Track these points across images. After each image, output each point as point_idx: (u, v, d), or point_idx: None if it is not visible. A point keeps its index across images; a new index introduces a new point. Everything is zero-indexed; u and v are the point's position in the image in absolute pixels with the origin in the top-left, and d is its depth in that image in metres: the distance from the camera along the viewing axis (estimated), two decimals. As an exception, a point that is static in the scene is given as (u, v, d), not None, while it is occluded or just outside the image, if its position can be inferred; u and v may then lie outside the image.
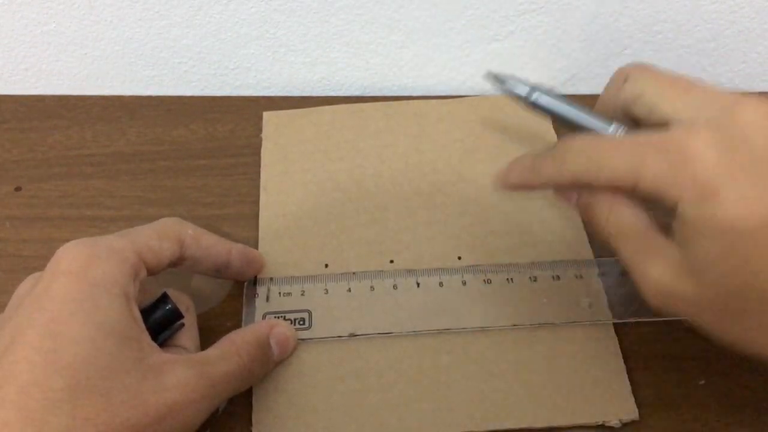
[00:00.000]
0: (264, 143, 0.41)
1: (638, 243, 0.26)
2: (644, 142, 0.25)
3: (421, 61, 0.46)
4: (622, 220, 0.26)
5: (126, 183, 0.40)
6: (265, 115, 0.42)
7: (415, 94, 0.46)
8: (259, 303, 0.33)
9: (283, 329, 0.32)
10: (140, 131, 0.43)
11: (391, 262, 0.35)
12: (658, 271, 0.25)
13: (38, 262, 0.36)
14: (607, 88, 0.30)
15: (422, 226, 0.37)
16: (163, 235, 0.29)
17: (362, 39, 0.44)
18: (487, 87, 0.46)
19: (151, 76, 0.47)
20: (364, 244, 0.36)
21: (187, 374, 0.26)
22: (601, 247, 0.34)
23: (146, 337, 0.26)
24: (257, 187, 0.39)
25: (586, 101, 0.43)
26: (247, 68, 0.46)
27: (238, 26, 0.44)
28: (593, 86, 0.47)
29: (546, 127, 0.41)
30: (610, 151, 0.26)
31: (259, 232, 0.37)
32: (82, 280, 0.26)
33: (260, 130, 0.42)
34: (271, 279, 0.34)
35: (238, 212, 0.39)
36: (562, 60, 0.46)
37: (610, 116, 0.29)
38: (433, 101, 0.43)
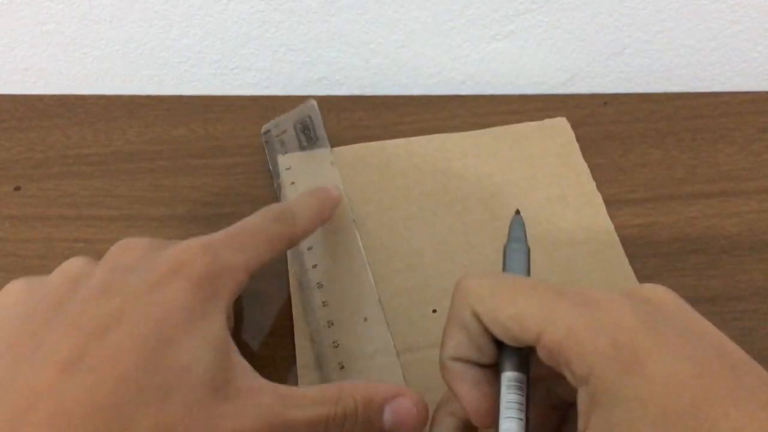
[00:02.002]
0: (282, 190, 0.38)
1: None
2: (558, 290, 0.22)
3: (421, 61, 0.46)
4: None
5: (126, 183, 0.40)
6: (280, 159, 0.39)
7: (415, 93, 0.46)
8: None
9: (408, 403, 0.26)
10: (140, 131, 0.43)
11: (434, 311, 0.33)
12: None
13: (38, 262, 0.36)
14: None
15: (461, 269, 0.35)
16: (276, 245, 0.30)
17: (362, 39, 0.44)
18: (486, 87, 0.47)
19: (150, 76, 0.47)
20: (403, 293, 0.34)
21: (266, 408, 0.25)
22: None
23: (238, 357, 0.26)
24: (257, 187, 0.39)
25: (586, 101, 0.44)
26: (247, 68, 0.46)
27: (238, 26, 0.44)
28: (593, 86, 0.47)
29: (575, 154, 0.40)
30: (512, 292, 0.23)
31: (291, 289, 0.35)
32: (198, 292, 0.26)
33: (260, 130, 0.42)
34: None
35: (238, 212, 0.38)
36: (562, 60, 0.46)
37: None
38: (455, 135, 0.41)
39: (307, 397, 0.26)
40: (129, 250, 0.28)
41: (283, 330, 0.33)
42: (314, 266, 0.34)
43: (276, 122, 0.41)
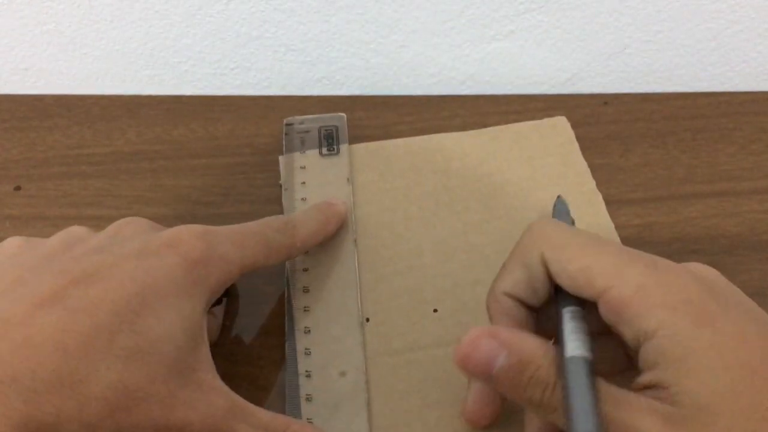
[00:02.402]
0: (290, 186, 0.38)
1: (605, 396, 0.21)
2: (627, 250, 0.23)
3: (421, 61, 0.46)
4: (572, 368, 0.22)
5: (126, 182, 0.40)
6: (297, 156, 0.39)
7: (415, 93, 0.46)
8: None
9: None
10: (140, 131, 0.43)
11: (435, 311, 0.33)
12: (647, 425, 0.20)
13: (38, 262, 0.36)
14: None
15: (462, 269, 0.35)
16: (273, 253, 0.30)
17: (362, 38, 0.44)
18: (486, 87, 0.47)
19: (150, 76, 0.47)
20: (403, 293, 0.34)
21: (219, 410, 0.25)
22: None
23: (208, 350, 0.27)
24: (257, 187, 0.39)
25: (586, 101, 0.44)
26: (247, 68, 0.46)
27: (238, 26, 0.44)
28: (593, 86, 0.47)
29: (575, 154, 0.40)
30: (584, 245, 0.24)
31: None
32: (188, 271, 0.26)
33: (259, 129, 0.42)
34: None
35: (238, 212, 0.39)
36: (562, 60, 0.46)
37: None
38: (455, 135, 0.41)
39: (256, 417, 0.26)
40: (130, 225, 0.29)
41: (281, 330, 0.33)
42: (305, 270, 0.34)
43: (302, 119, 0.41)
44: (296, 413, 0.30)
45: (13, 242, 0.28)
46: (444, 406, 0.31)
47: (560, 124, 0.41)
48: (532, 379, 0.22)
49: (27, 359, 0.22)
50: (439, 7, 0.43)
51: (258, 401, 0.27)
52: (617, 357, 0.24)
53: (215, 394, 0.25)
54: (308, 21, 0.43)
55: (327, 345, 0.32)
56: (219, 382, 0.26)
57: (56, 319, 0.23)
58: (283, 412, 0.29)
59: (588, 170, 0.39)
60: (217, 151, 0.42)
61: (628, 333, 0.22)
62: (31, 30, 0.44)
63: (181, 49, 0.45)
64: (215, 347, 0.28)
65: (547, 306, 0.26)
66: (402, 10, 0.43)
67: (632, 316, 0.22)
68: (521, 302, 0.26)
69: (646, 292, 0.22)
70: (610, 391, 0.21)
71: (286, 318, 0.33)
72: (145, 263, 0.25)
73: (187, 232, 0.27)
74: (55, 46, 0.45)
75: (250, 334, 0.34)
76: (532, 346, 0.22)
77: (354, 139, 0.41)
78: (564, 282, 0.24)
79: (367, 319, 0.33)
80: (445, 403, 0.31)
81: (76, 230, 0.29)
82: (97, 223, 0.38)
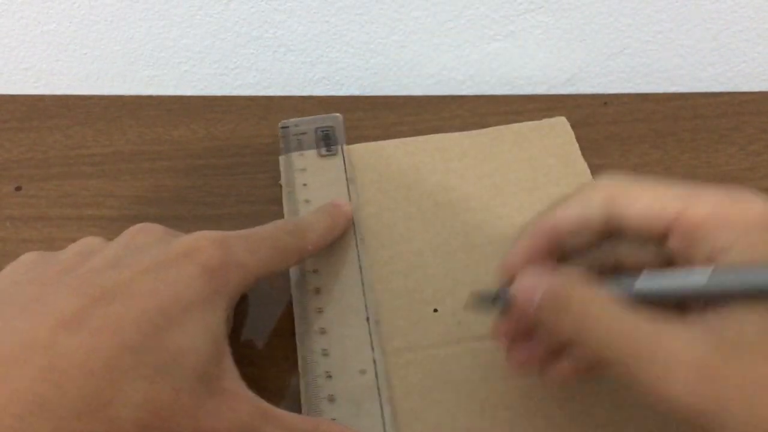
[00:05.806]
0: (291, 188, 0.38)
1: (638, 319, 0.21)
2: (692, 184, 0.23)
3: (421, 61, 0.46)
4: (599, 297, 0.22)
5: (126, 183, 0.40)
6: (296, 157, 0.39)
7: (415, 94, 0.46)
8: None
9: None
10: (140, 131, 0.43)
11: (435, 311, 0.34)
12: (686, 344, 0.20)
13: (39, 262, 0.36)
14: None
15: (462, 270, 0.35)
16: (286, 257, 0.30)
17: (362, 39, 0.44)
18: (486, 87, 0.47)
19: (151, 76, 0.47)
20: (403, 293, 0.34)
21: (245, 416, 0.25)
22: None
23: (230, 358, 0.26)
24: (258, 187, 0.39)
25: (586, 101, 0.44)
26: (247, 68, 0.46)
27: (238, 26, 0.44)
28: (593, 86, 0.47)
29: (575, 154, 0.40)
30: (650, 184, 0.24)
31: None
32: (208, 283, 0.26)
33: (260, 130, 0.42)
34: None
35: (238, 212, 0.39)
36: (562, 60, 0.46)
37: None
38: (455, 135, 0.41)
39: (284, 420, 0.26)
40: (144, 233, 0.28)
41: (284, 330, 0.34)
42: (315, 271, 0.34)
43: (296, 121, 0.41)
44: (317, 415, 0.30)
45: (29, 257, 0.28)
46: (443, 406, 0.31)
47: (560, 124, 0.41)
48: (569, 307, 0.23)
49: (53, 385, 0.22)
50: (439, 7, 0.43)
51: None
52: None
53: (241, 402, 0.25)
54: (308, 21, 0.43)
55: (344, 344, 0.32)
56: (244, 389, 0.26)
57: (80, 341, 0.23)
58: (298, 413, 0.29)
59: (588, 170, 0.39)
60: (218, 152, 0.42)
61: (700, 254, 0.22)
62: (31, 30, 0.44)
63: (181, 49, 0.45)
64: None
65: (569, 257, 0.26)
66: (402, 10, 0.43)
67: (706, 234, 0.21)
68: (555, 242, 0.25)
69: (721, 210, 0.22)
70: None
71: (299, 320, 0.33)
72: (164, 276, 0.25)
73: (204, 240, 0.27)
74: (56, 46, 0.45)
75: (255, 335, 0.34)
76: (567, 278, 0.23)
77: (354, 140, 0.41)
78: (631, 218, 0.23)
79: (368, 319, 0.33)
80: (445, 402, 0.31)
81: (90, 241, 0.28)
82: (98, 223, 0.38)
